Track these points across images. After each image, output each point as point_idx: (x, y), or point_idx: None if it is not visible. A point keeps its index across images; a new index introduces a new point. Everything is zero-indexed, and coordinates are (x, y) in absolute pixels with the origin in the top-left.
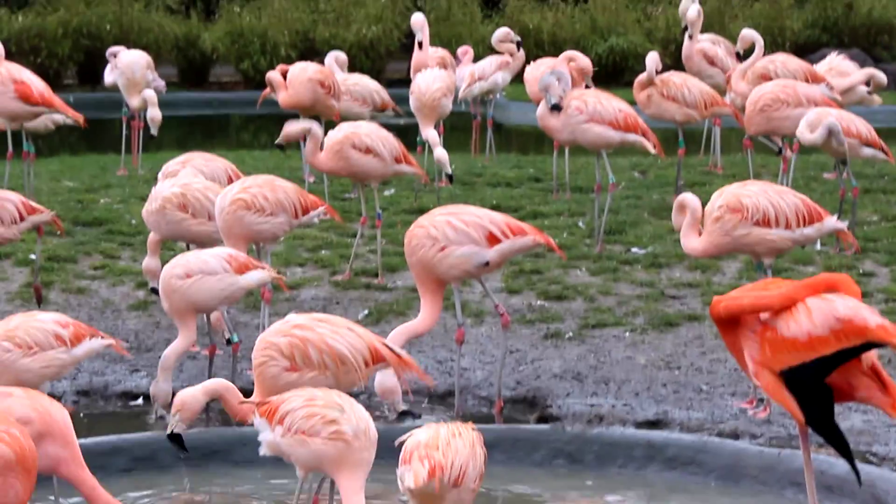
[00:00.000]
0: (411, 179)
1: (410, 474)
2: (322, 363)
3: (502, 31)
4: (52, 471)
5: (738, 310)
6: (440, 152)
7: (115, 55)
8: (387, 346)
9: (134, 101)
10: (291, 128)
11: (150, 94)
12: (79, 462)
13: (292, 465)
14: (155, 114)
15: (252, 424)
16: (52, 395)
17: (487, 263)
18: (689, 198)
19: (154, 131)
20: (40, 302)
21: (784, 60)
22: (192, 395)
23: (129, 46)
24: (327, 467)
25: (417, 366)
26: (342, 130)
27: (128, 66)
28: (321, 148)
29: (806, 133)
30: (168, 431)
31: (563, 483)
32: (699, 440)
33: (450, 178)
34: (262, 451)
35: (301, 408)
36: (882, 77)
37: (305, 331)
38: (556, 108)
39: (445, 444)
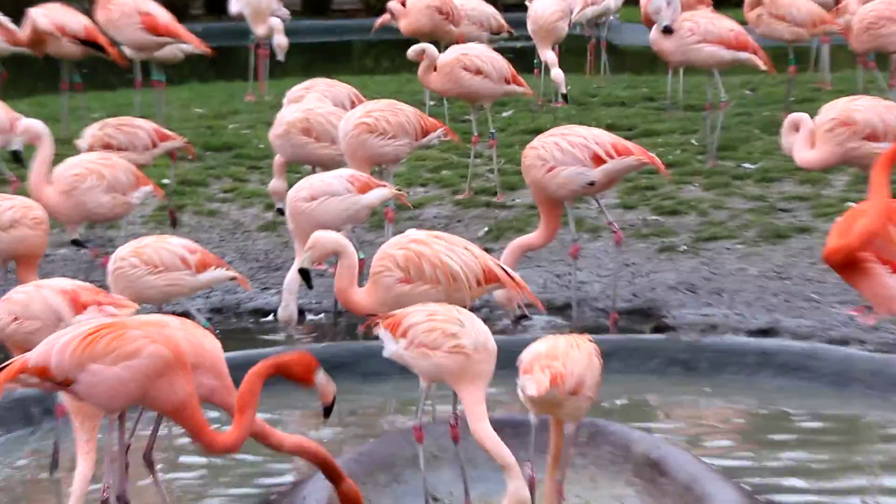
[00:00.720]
0: (530, 100)
1: (532, 383)
2: (434, 278)
3: None
4: (206, 400)
5: (854, 250)
6: (556, 72)
7: None
8: (502, 268)
9: (260, 30)
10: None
11: (276, 22)
12: (231, 391)
13: (417, 376)
14: (281, 40)
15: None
16: (185, 313)
17: (593, 183)
18: (801, 115)
19: (281, 57)
20: (175, 224)
21: None
22: (327, 237)
23: None
24: (448, 379)
25: (530, 289)
26: (453, 52)
27: None
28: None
29: None
30: (297, 266)
31: (677, 389)
32: (809, 347)
33: (565, 97)
34: (387, 355)
35: (423, 322)
36: None
37: (422, 245)
38: (667, 30)
39: (564, 355)
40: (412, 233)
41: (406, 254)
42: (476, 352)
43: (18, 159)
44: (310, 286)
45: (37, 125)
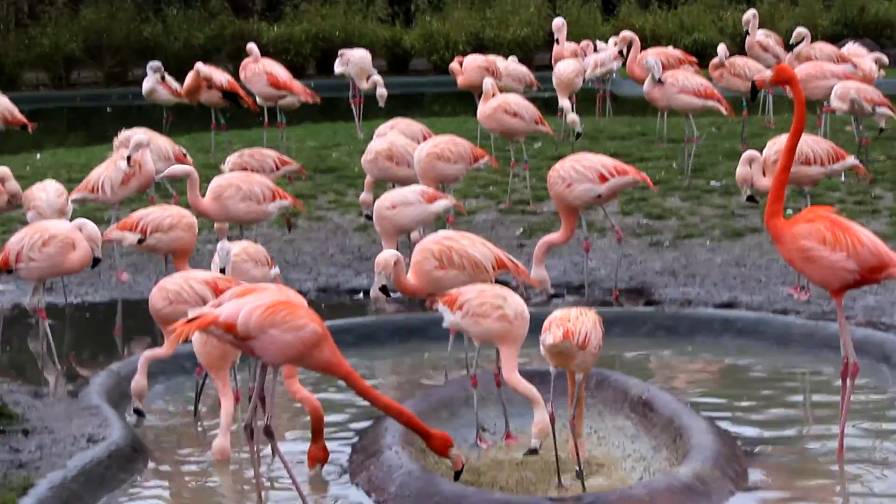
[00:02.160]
0: (556, 133)
1: (550, 336)
2: (461, 265)
3: (618, 37)
4: (325, 370)
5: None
6: (573, 117)
7: (342, 54)
8: (508, 258)
9: (363, 84)
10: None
11: (378, 79)
12: (339, 356)
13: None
14: (382, 92)
15: (436, 310)
16: (300, 291)
17: (600, 196)
18: (755, 153)
19: (382, 104)
20: (290, 228)
21: (821, 47)
22: (382, 258)
23: (352, 47)
24: (495, 340)
25: (527, 273)
26: (497, 100)
27: (361, 59)
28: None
29: (835, 101)
30: (376, 287)
31: (663, 348)
32: (760, 316)
33: (578, 135)
34: (445, 325)
35: (475, 298)
36: (885, 59)
37: (452, 241)
38: (659, 81)
39: (575, 318)
40: (443, 232)
41: (440, 247)
42: (516, 319)
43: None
44: (388, 296)
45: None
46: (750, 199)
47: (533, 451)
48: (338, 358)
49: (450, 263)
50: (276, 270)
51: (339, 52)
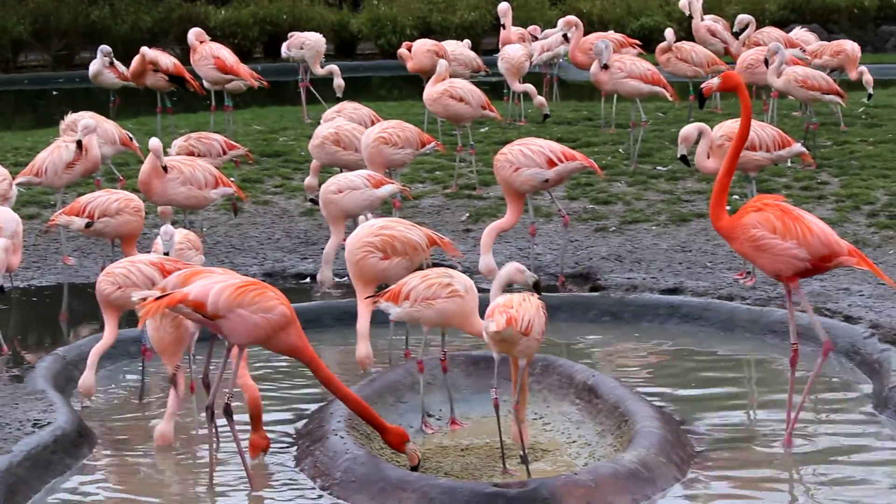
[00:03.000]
0: (503, 118)
1: (493, 323)
2: (404, 251)
3: (562, 21)
4: (290, 353)
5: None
6: (539, 99)
7: (292, 36)
8: (436, 235)
9: (317, 69)
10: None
11: (335, 68)
12: (305, 340)
13: (414, 326)
14: (340, 82)
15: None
16: (247, 275)
17: (547, 180)
18: (706, 127)
19: (339, 94)
20: (236, 213)
21: (769, 32)
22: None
23: (299, 31)
24: (453, 321)
25: (454, 247)
26: (443, 84)
27: (316, 42)
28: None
29: (773, 79)
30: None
31: (608, 334)
32: (705, 301)
33: (546, 116)
34: (393, 318)
35: (420, 283)
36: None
37: (389, 229)
38: (605, 66)
39: (518, 305)
40: (374, 221)
41: (382, 238)
42: (467, 293)
43: None
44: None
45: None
46: (683, 158)
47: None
48: (304, 342)
49: (393, 252)
50: (202, 258)
51: (289, 35)
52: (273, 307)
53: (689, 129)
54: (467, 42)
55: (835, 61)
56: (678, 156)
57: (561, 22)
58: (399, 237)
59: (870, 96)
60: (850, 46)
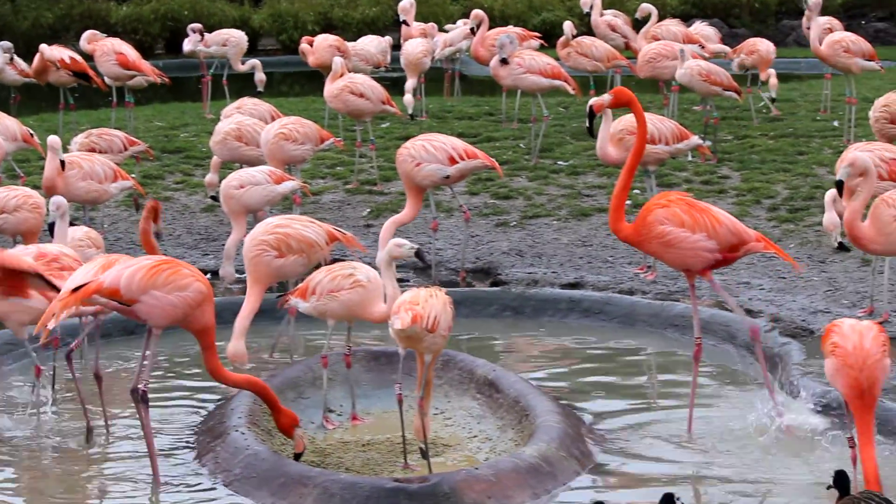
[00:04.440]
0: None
1: (399, 320)
2: (299, 248)
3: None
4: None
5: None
6: (408, 98)
7: (193, 30)
8: (337, 230)
9: (239, 66)
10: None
11: (256, 62)
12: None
13: (318, 321)
14: (261, 77)
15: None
16: None
17: (448, 177)
18: (607, 117)
19: (261, 88)
20: (137, 208)
21: (668, 25)
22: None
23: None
24: (357, 311)
25: (358, 242)
26: (343, 80)
27: (240, 40)
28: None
29: (682, 76)
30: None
31: (509, 329)
32: (605, 296)
33: (412, 117)
34: (303, 310)
35: (325, 277)
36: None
37: (284, 227)
38: (504, 61)
39: (424, 301)
40: (271, 220)
41: (276, 236)
42: (370, 283)
43: None
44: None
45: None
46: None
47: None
48: (213, 323)
49: (288, 250)
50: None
51: (191, 28)
52: (188, 284)
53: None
54: (389, 39)
55: (749, 60)
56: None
57: (463, 20)
58: (294, 235)
59: (773, 100)
60: (765, 48)
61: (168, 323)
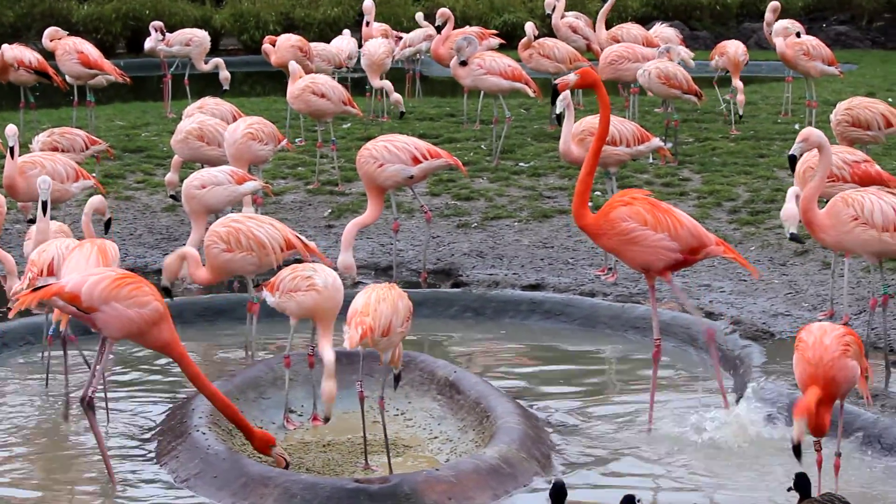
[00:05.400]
0: (365, 114)
1: (348, 338)
2: (249, 246)
3: (421, 15)
4: (162, 349)
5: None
6: (396, 96)
7: (154, 29)
8: (297, 238)
9: (202, 65)
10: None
11: (220, 61)
12: (176, 337)
13: (279, 319)
14: (226, 75)
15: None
16: None
17: (412, 177)
18: (570, 115)
19: (226, 87)
20: None
21: (629, 28)
22: (169, 260)
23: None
24: (310, 313)
25: (320, 252)
26: (304, 80)
27: (203, 38)
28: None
29: (642, 78)
30: (163, 283)
31: (470, 330)
32: (566, 298)
33: (402, 114)
34: (270, 304)
35: (288, 275)
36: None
37: (238, 223)
38: (463, 63)
39: (374, 310)
40: (232, 215)
41: (227, 230)
42: (325, 289)
43: None
44: (171, 297)
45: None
46: (558, 117)
47: (326, 420)
48: (175, 339)
49: (237, 245)
50: None
51: (153, 27)
52: (147, 302)
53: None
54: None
55: (721, 61)
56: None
57: (419, 16)
58: (245, 231)
59: (740, 117)
60: (734, 49)
61: (123, 336)
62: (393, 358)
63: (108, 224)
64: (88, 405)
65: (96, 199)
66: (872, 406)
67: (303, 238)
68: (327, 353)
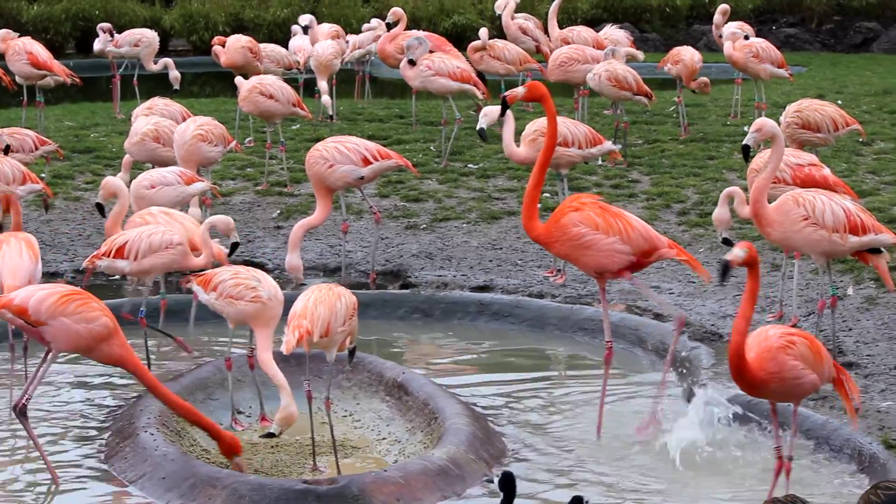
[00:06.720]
0: (314, 115)
1: (285, 342)
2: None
3: (375, 21)
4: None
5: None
6: (326, 99)
7: (103, 30)
8: (205, 244)
9: (152, 66)
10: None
11: (169, 61)
12: (129, 350)
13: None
14: (176, 74)
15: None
16: (56, 272)
17: (362, 178)
18: (509, 117)
19: (176, 87)
20: (47, 209)
21: (579, 30)
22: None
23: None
24: (248, 321)
25: (224, 255)
26: (251, 81)
27: (152, 40)
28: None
29: (592, 80)
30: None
31: (418, 331)
32: (515, 299)
33: (330, 117)
34: (202, 300)
35: (229, 279)
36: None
37: (150, 217)
38: (412, 62)
39: (311, 313)
40: (153, 207)
41: (143, 219)
42: (269, 300)
43: None
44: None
45: None
46: (481, 133)
47: (271, 435)
48: (127, 351)
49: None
50: None
51: (101, 28)
52: (96, 318)
53: (493, 111)
54: (348, 40)
55: (675, 70)
56: (478, 129)
57: (374, 21)
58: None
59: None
60: (689, 56)
61: (71, 349)
62: (344, 343)
63: (233, 248)
64: (21, 412)
65: (220, 219)
66: (857, 427)
67: (210, 243)
68: (271, 368)
